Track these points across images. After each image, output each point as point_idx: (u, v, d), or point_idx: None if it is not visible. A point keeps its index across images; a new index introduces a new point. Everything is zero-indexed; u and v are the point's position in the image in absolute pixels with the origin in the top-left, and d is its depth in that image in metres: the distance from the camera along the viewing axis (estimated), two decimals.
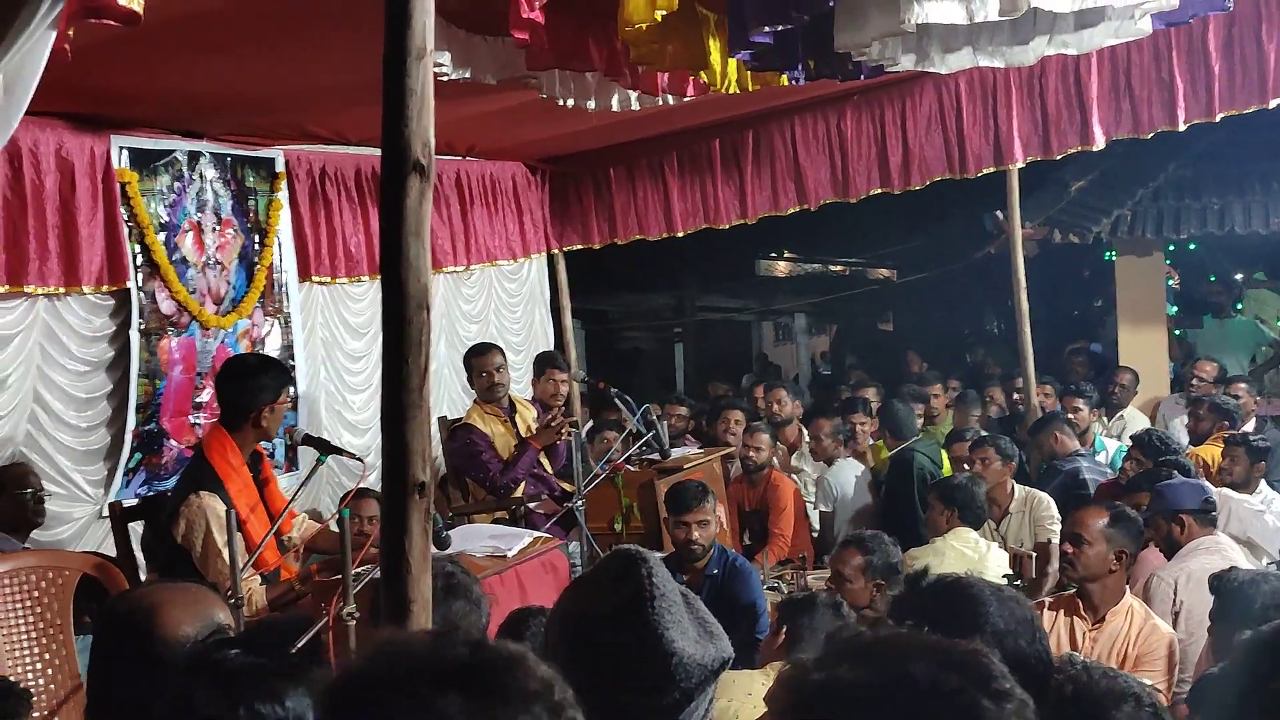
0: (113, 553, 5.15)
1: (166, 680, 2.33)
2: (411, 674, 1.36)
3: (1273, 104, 7.10)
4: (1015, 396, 9.12)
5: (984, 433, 7.77)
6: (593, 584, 2.07)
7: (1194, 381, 8.90)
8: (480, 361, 7.09)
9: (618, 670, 1.93)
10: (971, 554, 5.81)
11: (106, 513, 5.50)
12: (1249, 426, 7.80)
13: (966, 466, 7.08)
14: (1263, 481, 6.67)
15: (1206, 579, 4.21)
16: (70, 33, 2.95)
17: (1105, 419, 9.25)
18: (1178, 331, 11.48)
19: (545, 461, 7.08)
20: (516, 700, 1.35)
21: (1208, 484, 5.70)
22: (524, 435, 6.99)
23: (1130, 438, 7.61)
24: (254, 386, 4.88)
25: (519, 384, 7.99)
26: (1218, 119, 7.28)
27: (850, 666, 1.47)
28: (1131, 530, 4.74)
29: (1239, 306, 11.34)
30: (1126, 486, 6.40)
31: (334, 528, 5.19)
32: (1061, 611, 4.71)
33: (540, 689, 1.37)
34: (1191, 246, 11.68)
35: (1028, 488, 6.98)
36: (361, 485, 4.99)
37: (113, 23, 2.94)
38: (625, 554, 2.05)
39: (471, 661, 1.37)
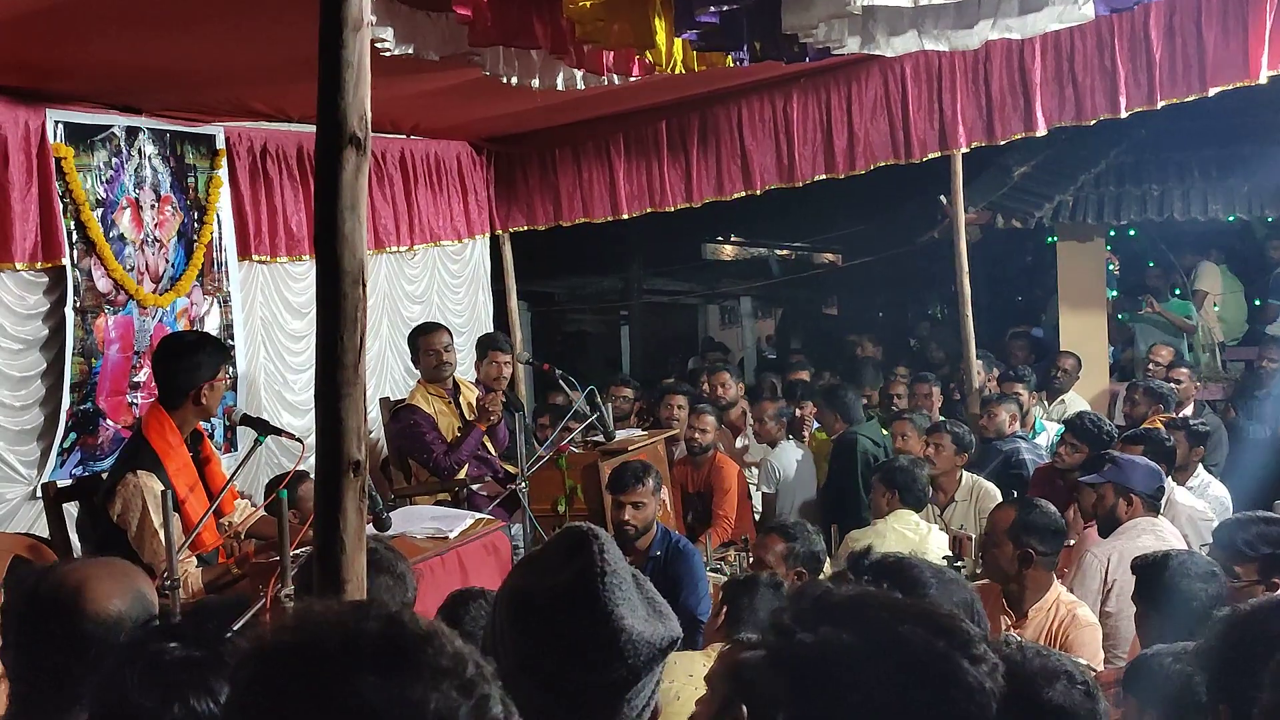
0: (46, 534, 5.07)
1: (95, 655, 2.29)
2: (323, 649, 1.32)
3: (1212, 92, 7.18)
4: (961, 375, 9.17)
5: (941, 417, 7.80)
6: (543, 560, 2.05)
7: (1150, 366, 8.99)
8: (427, 340, 7.04)
9: (566, 646, 1.92)
10: (912, 536, 5.85)
11: (40, 494, 5.41)
12: (1188, 411, 7.90)
13: (906, 443, 7.14)
14: (1200, 465, 6.76)
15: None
16: None
17: (1047, 403, 9.33)
18: (1122, 316, 11.60)
19: (488, 443, 7.05)
20: (428, 677, 1.32)
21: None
22: (467, 417, 6.95)
23: (1063, 421, 7.68)
24: (191, 364, 4.82)
25: (462, 365, 7.94)
26: (1159, 106, 7.35)
27: (836, 627, 1.50)
28: (1040, 527, 4.52)
29: (1177, 292, 11.47)
30: (1076, 470, 6.45)
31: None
32: (989, 603, 4.46)
33: (452, 665, 1.35)
34: (1131, 233, 11.81)
35: (976, 477, 7.00)
36: (300, 467, 4.94)
37: None
38: (577, 530, 2.03)
39: (383, 637, 1.34)
